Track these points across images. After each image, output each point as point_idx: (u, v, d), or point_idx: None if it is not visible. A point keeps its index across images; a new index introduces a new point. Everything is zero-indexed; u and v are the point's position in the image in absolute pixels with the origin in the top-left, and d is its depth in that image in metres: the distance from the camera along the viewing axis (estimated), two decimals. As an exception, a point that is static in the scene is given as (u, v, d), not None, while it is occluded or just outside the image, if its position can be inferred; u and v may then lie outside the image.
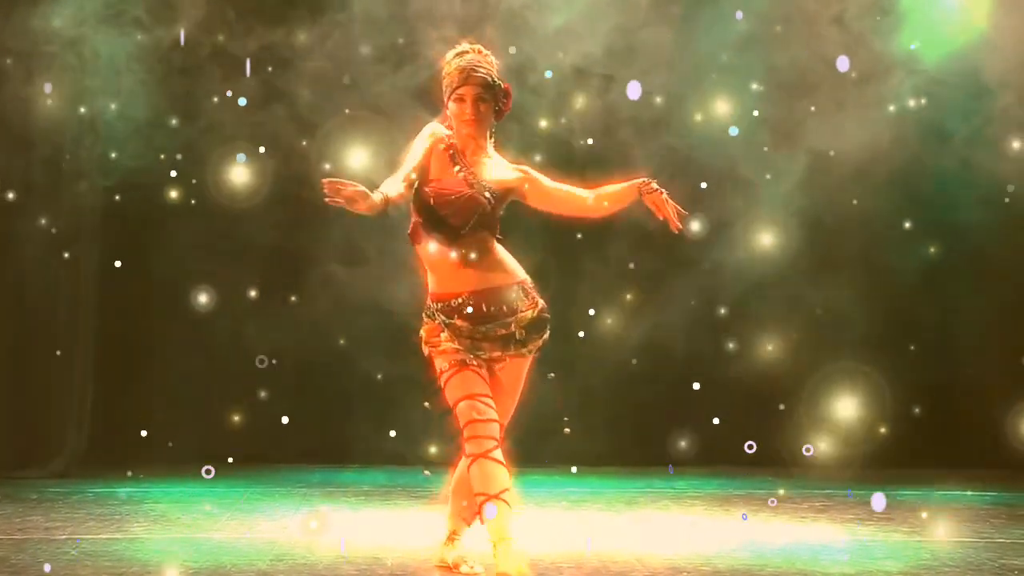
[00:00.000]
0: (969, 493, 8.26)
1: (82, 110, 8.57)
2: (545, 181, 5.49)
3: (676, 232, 5.36)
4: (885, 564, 5.92)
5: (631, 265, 9.27)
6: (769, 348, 9.20)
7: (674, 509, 7.66)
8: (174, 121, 8.81)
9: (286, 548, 6.12)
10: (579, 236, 9.13)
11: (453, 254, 5.25)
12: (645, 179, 5.39)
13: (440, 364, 5.30)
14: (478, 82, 5.35)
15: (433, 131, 5.41)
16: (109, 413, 8.95)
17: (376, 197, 5.01)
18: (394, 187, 5.15)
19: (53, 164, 8.63)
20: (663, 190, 5.35)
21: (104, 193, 8.82)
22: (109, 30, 8.41)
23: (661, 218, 5.36)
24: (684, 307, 9.22)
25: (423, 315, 5.38)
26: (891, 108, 8.92)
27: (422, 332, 5.37)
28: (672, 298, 9.19)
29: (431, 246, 5.29)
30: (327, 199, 4.92)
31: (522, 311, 5.30)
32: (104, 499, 7.67)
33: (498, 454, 5.16)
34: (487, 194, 5.32)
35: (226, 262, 9.06)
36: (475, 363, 5.24)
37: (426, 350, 5.37)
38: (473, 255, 5.27)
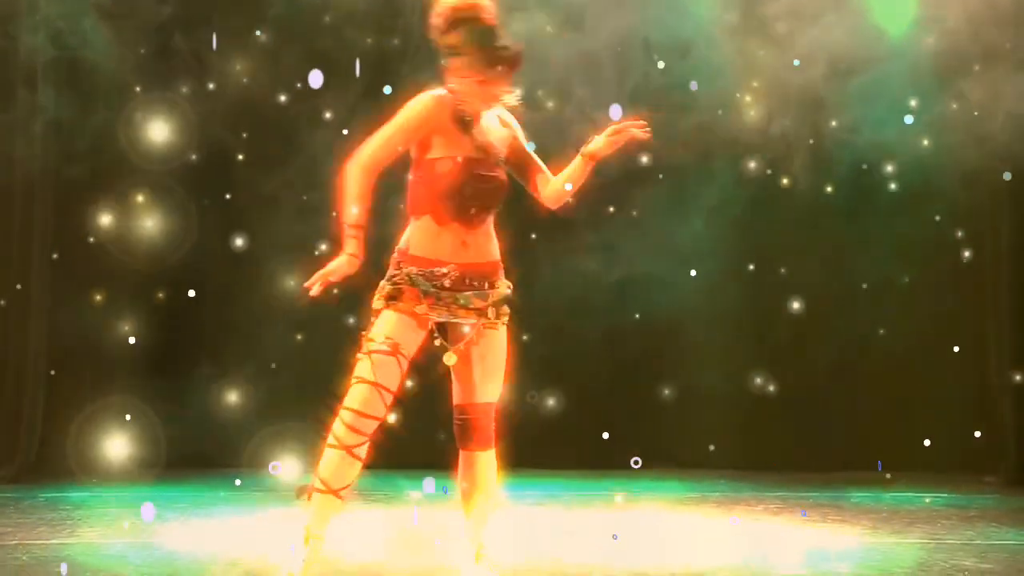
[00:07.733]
0: (920, 495, 8.33)
1: None
2: (522, 139, 5.19)
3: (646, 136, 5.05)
4: (837, 566, 5.96)
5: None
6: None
7: (630, 509, 7.68)
8: None
9: (240, 554, 6.08)
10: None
11: (467, 236, 5.00)
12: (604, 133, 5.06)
13: (378, 332, 4.95)
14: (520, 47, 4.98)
15: (433, 102, 4.99)
16: (60, 418, 8.84)
17: (350, 247, 4.88)
18: (361, 204, 4.91)
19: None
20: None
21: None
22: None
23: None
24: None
25: (391, 277, 5.00)
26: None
27: (385, 285, 5.00)
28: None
29: (441, 223, 4.98)
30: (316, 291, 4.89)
31: (497, 287, 5.08)
32: (55, 504, 7.59)
33: (362, 451, 4.89)
34: (507, 172, 5.12)
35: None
36: (406, 357, 4.94)
37: (379, 304, 5.00)
38: (480, 231, 5.04)
